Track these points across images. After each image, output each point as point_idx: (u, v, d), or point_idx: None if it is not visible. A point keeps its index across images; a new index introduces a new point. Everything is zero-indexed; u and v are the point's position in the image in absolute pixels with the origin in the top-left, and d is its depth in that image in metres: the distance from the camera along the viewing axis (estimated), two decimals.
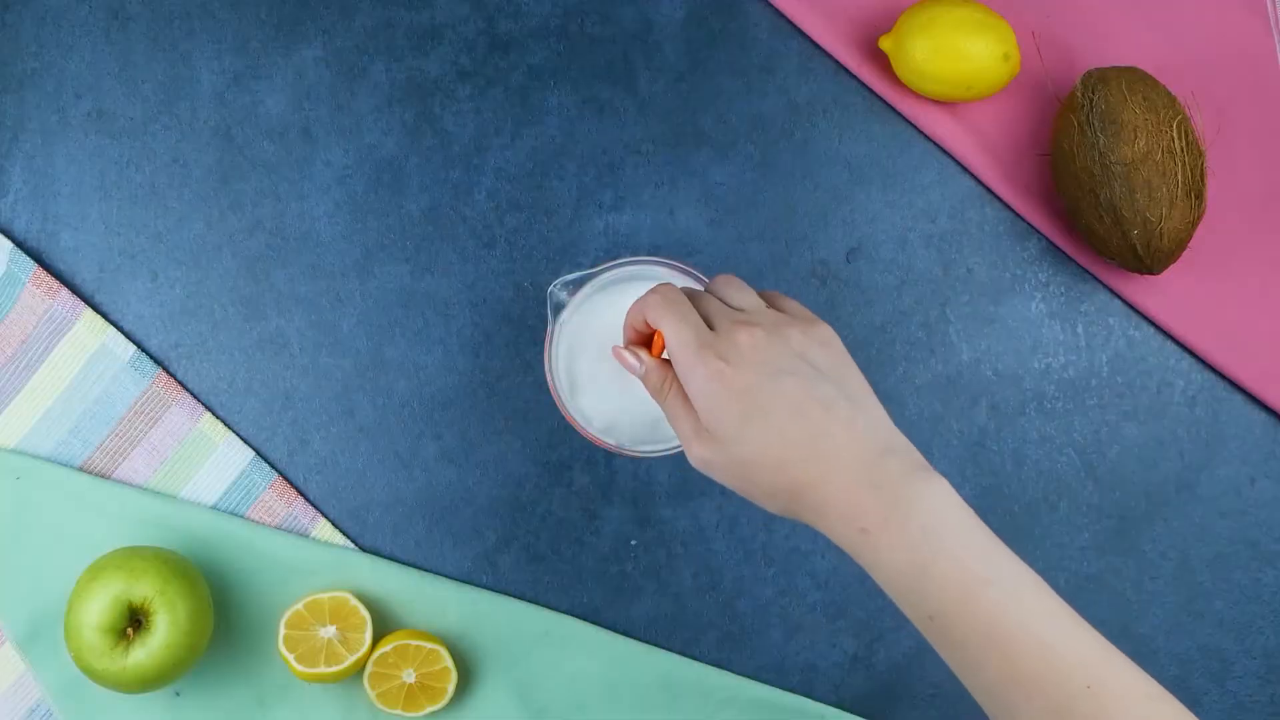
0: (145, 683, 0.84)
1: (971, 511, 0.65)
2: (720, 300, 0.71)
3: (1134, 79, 0.86)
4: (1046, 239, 0.91)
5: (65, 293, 0.90)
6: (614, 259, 0.81)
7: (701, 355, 0.66)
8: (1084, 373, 0.91)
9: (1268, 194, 0.91)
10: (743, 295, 0.71)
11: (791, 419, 0.65)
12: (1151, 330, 0.91)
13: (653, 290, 0.70)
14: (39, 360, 0.90)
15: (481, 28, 0.92)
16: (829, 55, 0.92)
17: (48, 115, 0.91)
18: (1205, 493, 0.91)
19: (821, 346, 0.68)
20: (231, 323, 0.91)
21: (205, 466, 0.90)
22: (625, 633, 0.91)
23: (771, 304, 0.71)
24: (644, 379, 0.72)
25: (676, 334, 0.68)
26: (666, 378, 0.70)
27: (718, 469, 0.68)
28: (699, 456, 0.68)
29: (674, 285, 0.71)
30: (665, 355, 0.71)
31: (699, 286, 0.82)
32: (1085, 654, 0.63)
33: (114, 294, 0.91)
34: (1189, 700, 0.90)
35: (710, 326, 0.68)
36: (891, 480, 0.64)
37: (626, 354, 0.72)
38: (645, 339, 0.73)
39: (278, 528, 0.90)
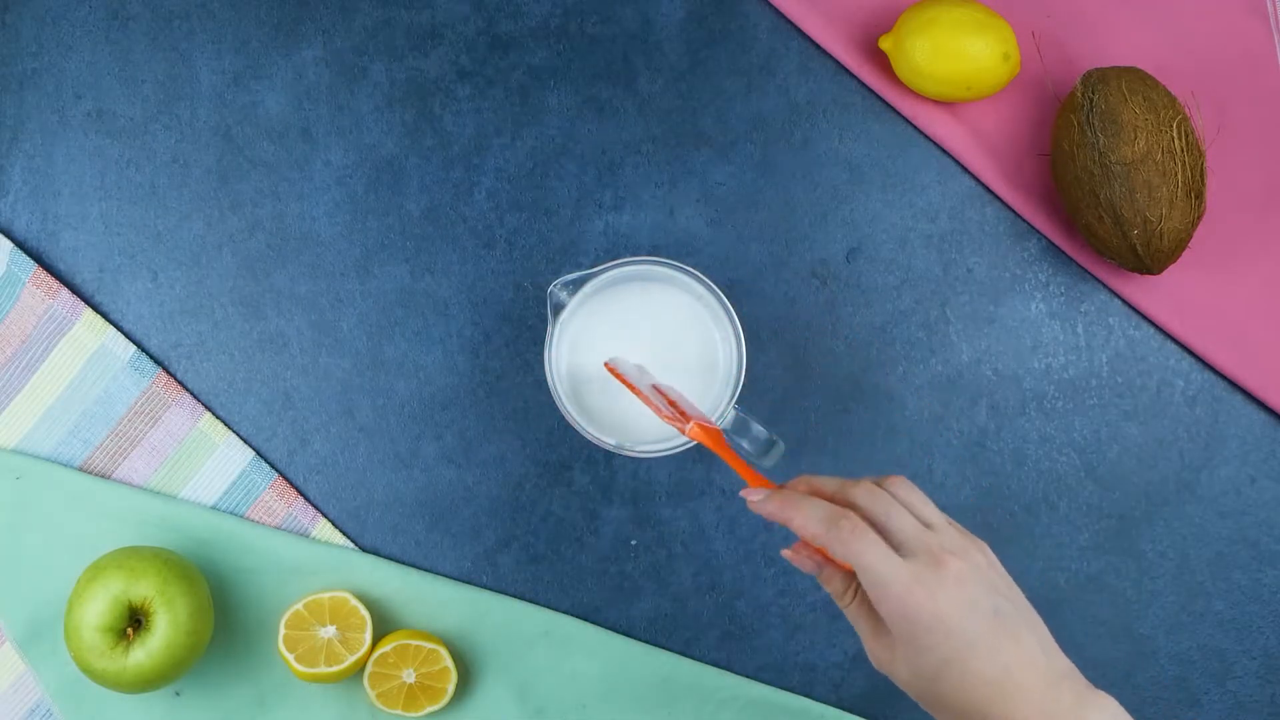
0: (145, 683, 0.83)
1: None
2: (891, 505, 0.69)
3: (1134, 79, 0.86)
4: (1046, 239, 0.91)
5: (65, 293, 0.90)
6: (614, 259, 0.81)
7: (912, 592, 0.66)
8: (1084, 373, 0.91)
9: (1268, 194, 0.91)
10: (916, 508, 0.70)
11: (988, 659, 0.66)
12: (1151, 330, 0.91)
13: (833, 523, 0.68)
14: (39, 360, 0.90)
15: (481, 28, 0.92)
16: (829, 55, 0.92)
17: (48, 115, 0.91)
18: (1205, 493, 0.91)
19: (993, 567, 0.69)
20: (231, 323, 0.91)
21: (205, 466, 0.90)
22: (625, 633, 0.91)
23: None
24: (823, 581, 0.72)
25: (880, 569, 0.66)
26: (851, 586, 0.70)
27: (906, 686, 0.68)
28: (889, 670, 0.69)
29: (849, 512, 0.68)
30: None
31: (699, 287, 0.82)
32: None
33: (114, 294, 0.91)
34: (1189, 700, 0.90)
35: (893, 542, 0.67)
36: (1067, 709, 0.65)
37: (799, 557, 0.72)
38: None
39: (278, 528, 0.90)
